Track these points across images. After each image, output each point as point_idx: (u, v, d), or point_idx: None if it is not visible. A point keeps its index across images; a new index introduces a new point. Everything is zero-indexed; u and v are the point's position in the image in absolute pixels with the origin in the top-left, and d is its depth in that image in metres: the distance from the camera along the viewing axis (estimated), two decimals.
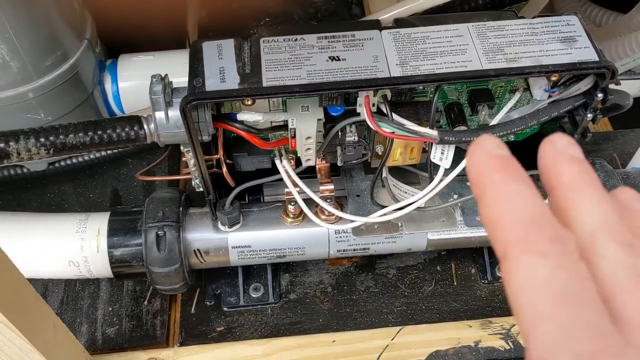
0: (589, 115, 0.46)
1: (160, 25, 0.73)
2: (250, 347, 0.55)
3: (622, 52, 0.58)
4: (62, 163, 0.64)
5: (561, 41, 0.44)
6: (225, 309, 0.58)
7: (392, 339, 0.55)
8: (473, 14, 0.46)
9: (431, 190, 0.48)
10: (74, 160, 0.65)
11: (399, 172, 0.54)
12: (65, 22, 0.56)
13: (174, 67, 0.63)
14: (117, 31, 0.67)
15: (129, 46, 0.67)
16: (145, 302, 0.59)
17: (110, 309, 0.58)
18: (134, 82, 0.64)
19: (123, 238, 0.52)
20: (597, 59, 0.43)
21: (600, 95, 0.44)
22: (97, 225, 0.53)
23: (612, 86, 0.45)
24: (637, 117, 0.70)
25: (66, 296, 0.59)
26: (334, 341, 0.55)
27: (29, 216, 0.55)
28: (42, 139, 0.41)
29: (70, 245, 0.52)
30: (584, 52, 0.44)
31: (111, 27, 0.66)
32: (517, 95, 0.48)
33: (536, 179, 0.24)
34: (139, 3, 0.71)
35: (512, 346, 0.55)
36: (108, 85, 0.63)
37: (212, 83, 0.42)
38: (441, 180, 0.47)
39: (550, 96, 0.46)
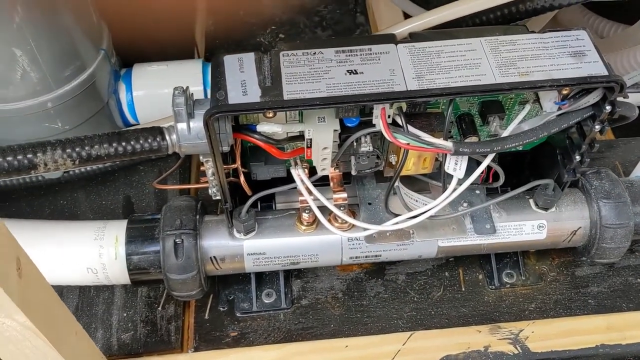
0: (597, 127, 0.47)
1: (170, 34, 0.74)
2: (264, 352, 0.56)
3: (628, 65, 0.60)
4: (76, 171, 0.65)
5: (571, 55, 0.46)
6: (238, 314, 0.59)
7: (403, 344, 0.57)
8: (485, 29, 0.48)
9: (444, 200, 0.49)
10: (87, 168, 0.66)
11: (407, 180, 0.56)
12: (83, 34, 0.57)
13: (187, 76, 0.65)
14: (129, 41, 0.68)
15: (140, 56, 0.68)
16: (160, 308, 0.60)
17: (124, 314, 0.59)
18: (148, 91, 0.65)
19: (141, 245, 0.53)
20: (606, 73, 0.45)
21: (608, 108, 0.46)
22: (115, 233, 0.54)
23: (619, 98, 0.46)
24: (639, 126, 0.72)
25: (81, 302, 0.60)
26: (347, 346, 0.57)
27: (48, 223, 0.56)
28: (69, 150, 0.43)
29: (88, 252, 0.53)
30: (593, 66, 0.45)
31: (123, 37, 0.67)
32: (527, 107, 0.49)
33: None
34: (150, 13, 0.72)
35: (521, 351, 0.56)
36: (123, 95, 0.64)
37: (234, 96, 0.43)
38: (454, 190, 0.49)
39: (560, 108, 0.47)
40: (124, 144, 0.44)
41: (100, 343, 0.58)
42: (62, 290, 0.60)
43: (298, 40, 0.90)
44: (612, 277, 0.62)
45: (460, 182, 0.49)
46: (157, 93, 0.64)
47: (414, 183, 0.56)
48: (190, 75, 0.64)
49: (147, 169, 0.70)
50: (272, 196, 0.59)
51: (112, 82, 0.63)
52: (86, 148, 0.43)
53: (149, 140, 0.45)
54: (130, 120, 0.66)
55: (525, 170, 0.59)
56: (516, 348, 0.56)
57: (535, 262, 0.63)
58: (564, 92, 0.46)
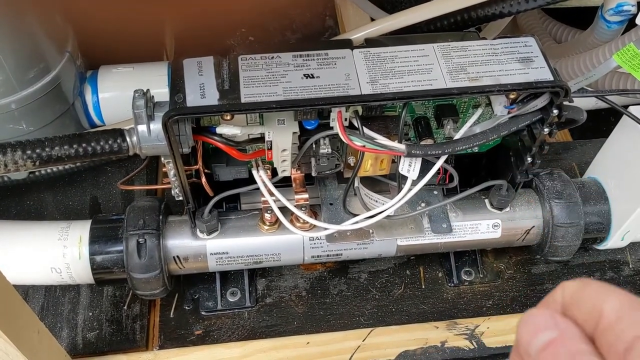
0: (546, 130, 0.49)
1: (139, 37, 0.74)
2: (227, 350, 0.57)
3: (578, 70, 0.62)
4: (42, 171, 0.66)
5: (519, 61, 0.47)
6: (203, 313, 0.60)
7: (363, 340, 0.58)
8: (438, 35, 0.49)
9: (399, 200, 0.51)
10: (54, 169, 0.66)
11: (370, 180, 0.57)
12: (47, 37, 0.58)
13: (153, 78, 0.65)
14: (96, 43, 0.68)
15: (108, 57, 0.69)
16: (125, 307, 0.60)
17: (90, 314, 0.60)
18: (114, 93, 0.65)
19: (104, 245, 0.54)
20: (552, 78, 0.46)
21: (555, 112, 0.48)
22: (78, 233, 0.54)
23: (566, 102, 0.48)
24: (595, 129, 0.75)
25: (47, 302, 0.60)
26: (308, 343, 0.58)
27: (12, 224, 0.56)
28: (29, 152, 0.43)
29: (52, 252, 0.54)
30: (540, 71, 0.47)
31: (90, 40, 0.67)
32: (479, 111, 0.51)
33: None
34: (118, 16, 0.73)
35: (476, 346, 0.58)
36: (88, 96, 0.65)
37: (192, 99, 0.44)
38: (409, 191, 0.50)
39: (509, 112, 0.49)
40: (84, 145, 0.45)
41: (66, 342, 0.58)
42: (28, 290, 0.61)
43: (268, 42, 0.91)
44: (567, 275, 0.64)
45: (414, 183, 0.50)
46: (123, 95, 0.64)
47: (375, 184, 0.58)
48: (156, 77, 0.65)
49: (114, 169, 0.70)
50: (237, 196, 0.60)
51: (77, 84, 0.63)
52: (46, 149, 0.43)
53: (110, 142, 0.45)
54: (97, 121, 0.67)
55: (482, 172, 0.61)
56: (472, 343, 0.58)
57: (493, 260, 0.65)
58: (512, 96, 0.48)
